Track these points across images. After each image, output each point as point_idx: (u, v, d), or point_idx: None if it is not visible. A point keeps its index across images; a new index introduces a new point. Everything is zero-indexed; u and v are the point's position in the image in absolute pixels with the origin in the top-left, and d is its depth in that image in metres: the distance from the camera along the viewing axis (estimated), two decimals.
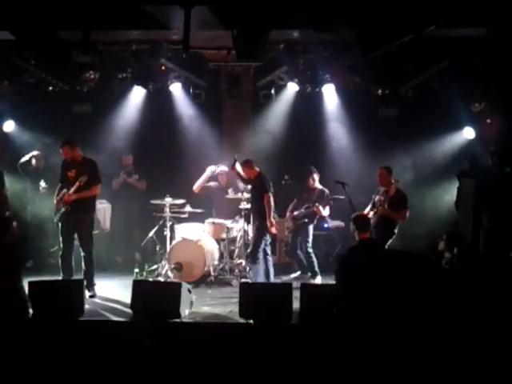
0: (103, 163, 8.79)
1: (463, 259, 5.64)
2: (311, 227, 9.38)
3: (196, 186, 9.73)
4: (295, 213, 9.43)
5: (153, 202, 9.53)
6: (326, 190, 9.35)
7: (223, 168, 9.93)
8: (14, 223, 7.20)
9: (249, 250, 8.82)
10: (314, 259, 9.22)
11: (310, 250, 9.27)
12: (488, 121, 10.35)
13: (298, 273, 9.50)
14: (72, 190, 7.92)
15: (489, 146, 9.78)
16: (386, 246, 8.10)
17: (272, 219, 8.67)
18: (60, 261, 8.06)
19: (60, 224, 8.04)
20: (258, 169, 8.97)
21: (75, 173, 8.02)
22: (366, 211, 8.49)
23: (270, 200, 8.69)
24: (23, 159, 9.99)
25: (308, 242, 9.30)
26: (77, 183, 7.91)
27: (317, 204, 9.19)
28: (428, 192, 10.43)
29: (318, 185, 9.45)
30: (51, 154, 9.69)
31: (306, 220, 9.32)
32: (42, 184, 9.87)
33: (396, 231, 8.37)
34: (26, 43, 7.32)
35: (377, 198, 8.61)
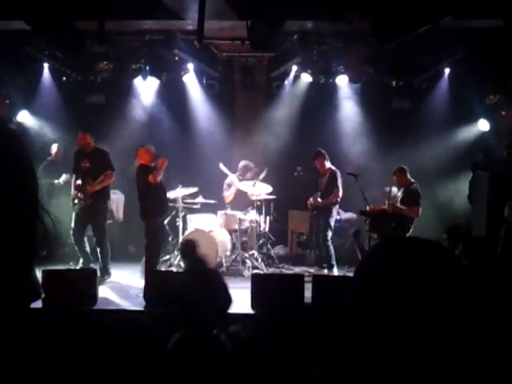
0: (116, 153, 8.83)
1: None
2: (332, 220, 9.01)
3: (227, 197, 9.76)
4: (311, 199, 9.14)
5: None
6: (337, 171, 8.97)
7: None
8: None
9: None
10: (332, 252, 8.97)
11: (328, 242, 8.94)
12: (503, 113, 10.28)
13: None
14: (96, 182, 8.11)
15: (503, 138, 9.70)
16: None
17: None
18: (76, 247, 8.16)
19: (76, 214, 8.15)
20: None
21: (88, 163, 8.11)
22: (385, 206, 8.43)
23: None
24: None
25: (328, 232, 8.96)
26: (101, 176, 8.09)
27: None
28: (441, 184, 10.36)
29: (328, 166, 9.05)
30: (69, 147, 9.63)
31: (315, 212, 9.13)
32: (63, 177, 9.57)
33: (411, 226, 8.27)
34: (40, 32, 7.33)
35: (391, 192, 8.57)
